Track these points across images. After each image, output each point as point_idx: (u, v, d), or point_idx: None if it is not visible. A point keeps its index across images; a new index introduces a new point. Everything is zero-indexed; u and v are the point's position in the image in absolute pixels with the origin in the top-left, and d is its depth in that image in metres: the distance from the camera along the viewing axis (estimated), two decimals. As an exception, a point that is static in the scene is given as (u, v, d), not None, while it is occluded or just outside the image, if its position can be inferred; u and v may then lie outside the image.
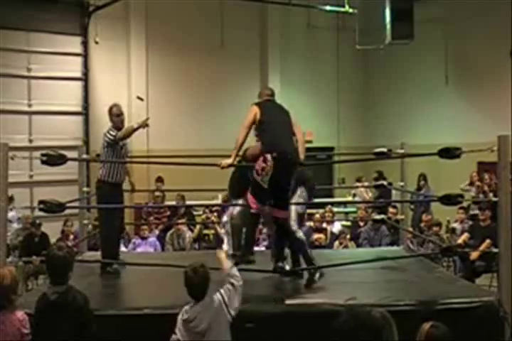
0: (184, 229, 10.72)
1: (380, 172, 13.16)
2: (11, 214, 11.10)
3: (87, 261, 7.22)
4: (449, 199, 5.93)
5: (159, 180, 13.18)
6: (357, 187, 13.42)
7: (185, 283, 4.29)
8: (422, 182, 13.00)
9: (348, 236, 10.74)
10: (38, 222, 10.35)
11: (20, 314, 4.30)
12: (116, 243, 7.11)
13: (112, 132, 7.01)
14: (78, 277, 6.31)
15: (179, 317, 4.33)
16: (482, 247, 8.78)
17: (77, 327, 4.11)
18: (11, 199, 11.71)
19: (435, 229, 10.28)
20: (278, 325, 5.14)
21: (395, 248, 8.77)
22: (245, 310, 5.19)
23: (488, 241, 8.68)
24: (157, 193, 12.61)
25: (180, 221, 11.03)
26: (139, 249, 10.51)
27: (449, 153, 5.78)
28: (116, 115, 7.24)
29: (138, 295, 6.00)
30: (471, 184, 12.73)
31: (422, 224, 10.91)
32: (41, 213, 6.24)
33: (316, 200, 12.59)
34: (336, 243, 10.57)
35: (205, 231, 10.81)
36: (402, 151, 7.89)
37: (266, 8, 15.44)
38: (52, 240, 10.66)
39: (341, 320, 3.68)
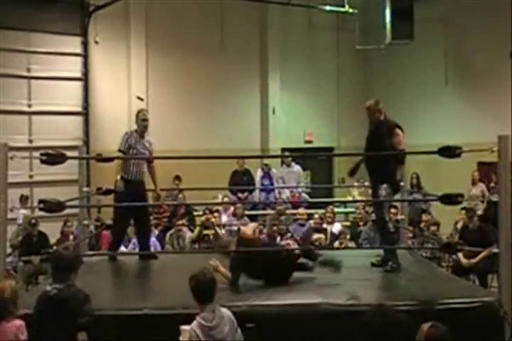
0: (184, 230, 10.71)
1: None
2: (21, 212, 11.14)
3: (89, 255, 7.23)
4: (449, 199, 5.93)
5: (177, 178, 13.09)
6: (357, 186, 13.41)
7: (195, 287, 4.26)
8: (415, 181, 12.92)
9: (348, 237, 10.72)
10: (33, 221, 10.30)
11: (17, 321, 4.38)
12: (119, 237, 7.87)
13: (128, 138, 7.58)
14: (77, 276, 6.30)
15: (199, 325, 4.18)
16: (478, 258, 8.65)
17: (74, 322, 4.15)
18: (26, 198, 11.75)
19: (432, 228, 10.30)
20: (278, 325, 5.13)
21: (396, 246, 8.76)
22: (245, 310, 5.20)
23: (484, 253, 8.52)
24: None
25: (179, 222, 10.98)
26: (138, 249, 10.50)
27: (449, 151, 5.78)
28: (141, 120, 7.69)
29: (138, 295, 5.99)
30: (473, 183, 12.72)
31: (422, 224, 10.92)
32: (42, 213, 6.24)
33: (316, 200, 12.68)
34: (336, 243, 10.57)
35: (205, 232, 10.79)
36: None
37: (266, 8, 15.44)
38: (53, 240, 10.67)
39: (369, 317, 3.69)
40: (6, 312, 4.35)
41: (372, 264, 6.86)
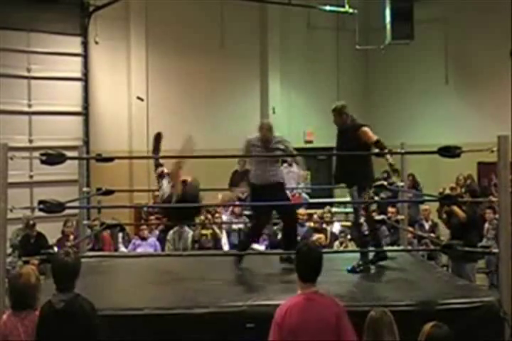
0: (186, 229, 10.70)
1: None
2: None
3: (92, 256, 7.23)
4: (449, 200, 5.94)
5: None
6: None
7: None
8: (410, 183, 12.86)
9: (349, 237, 10.73)
10: (31, 222, 10.30)
11: None
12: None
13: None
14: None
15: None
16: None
17: (84, 336, 4.04)
18: None
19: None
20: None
21: (395, 248, 8.76)
22: (245, 310, 5.20)
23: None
24: (157, 193, 12.55)
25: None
26: (139, 249, 10.52)
27: (449, 151, 5.78)
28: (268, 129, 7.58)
29: (138, 295, 5.99)
30: (452, 189, 12.44)
31: (422, 217, 11.01)
32: (41, 213, 6.24)
33: (316, 200, 12.67)
34: (336, 243, 10.57)
35: (203, 232, 10.77)
36: (401, 151, 7.87)
37: (266, 8, 15.44)
38: (53, 240, 10.67)
39: None
40: (34, 299, 4.21)
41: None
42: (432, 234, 10.73)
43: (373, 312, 4.03)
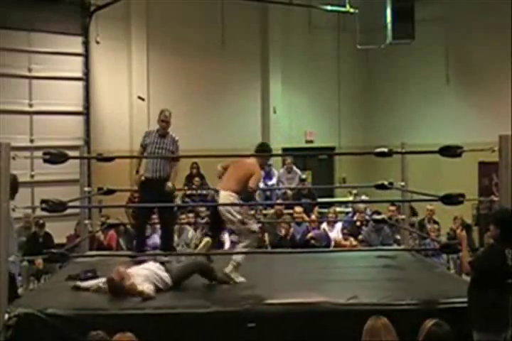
0: (187, 227, 10.69)
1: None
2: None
3: (92, 256, 7.25)
4: (450, 199, 5.94)
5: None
6: (357, 187, 13.43)
7: None
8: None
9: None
10: (41, 221, 10.35)
11: None
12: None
13: (144, 137, 7.87)
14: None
15: None
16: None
17: None
18: None
19: (435, 226, 10.37)
20: (278, 324, 5.14)
21: (396, 247, 8.77)
22: (246, 309, 5.21)
23: None
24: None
25: (182, 216, 10.89)
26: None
27: (450, 151, 5.79)
28: (160, 120, 7.89)
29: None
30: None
31: (425, 214, 11.02)
32: (43, 213, 6.24)
33: (317, 200, 12.68)
34: (341, 240, 10.59)
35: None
36: (402, 151, 7.88)
37: (267, 8, 15.44)
38: (54, 240, 10.68)
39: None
40: None
41: None
42: (432, 234, 10.72)
43: (368, 322, 3.95)
